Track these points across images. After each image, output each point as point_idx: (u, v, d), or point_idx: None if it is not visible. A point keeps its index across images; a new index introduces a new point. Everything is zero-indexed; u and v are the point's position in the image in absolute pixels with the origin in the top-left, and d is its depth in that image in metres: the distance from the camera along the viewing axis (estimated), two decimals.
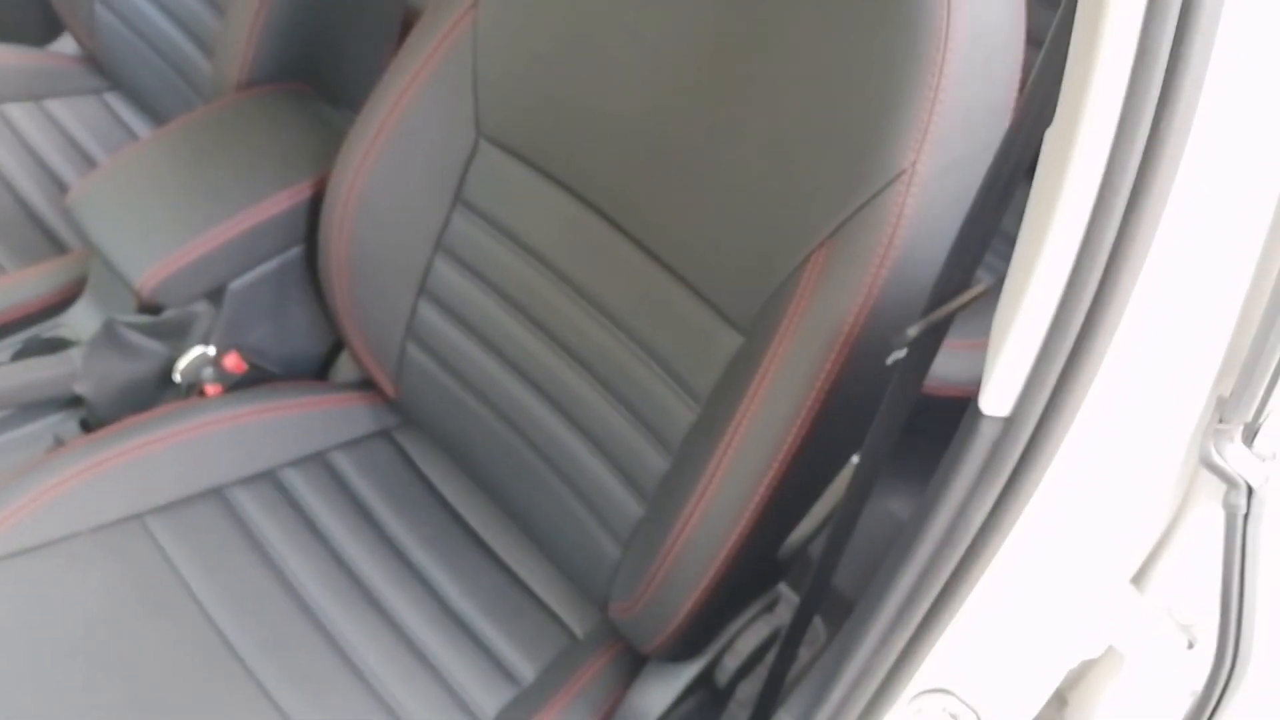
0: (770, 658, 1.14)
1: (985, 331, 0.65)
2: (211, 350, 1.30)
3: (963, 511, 0.68)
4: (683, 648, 1.10)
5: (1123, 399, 0.64)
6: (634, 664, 1.16)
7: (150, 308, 1.28)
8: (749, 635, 1.13)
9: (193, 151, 1.34)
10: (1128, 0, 0.52)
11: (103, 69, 1.74)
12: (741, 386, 0.95)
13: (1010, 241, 0.62)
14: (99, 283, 1.35)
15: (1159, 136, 0.54)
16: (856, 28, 0.87)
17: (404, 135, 1.17)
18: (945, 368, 0.90)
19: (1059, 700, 0.84)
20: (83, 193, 1.30)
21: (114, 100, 1.74)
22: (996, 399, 0.64)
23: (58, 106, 1.69)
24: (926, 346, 0.79)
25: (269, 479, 1.24)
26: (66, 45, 1.83)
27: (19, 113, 1.66)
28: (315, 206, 1.27)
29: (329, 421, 1.32)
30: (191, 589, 1.12)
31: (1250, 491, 0.64)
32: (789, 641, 1.08)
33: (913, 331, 0.74)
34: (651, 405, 1.06)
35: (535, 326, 1.15)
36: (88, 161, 1.64)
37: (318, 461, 1.28)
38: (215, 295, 1.30)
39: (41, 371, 1.26)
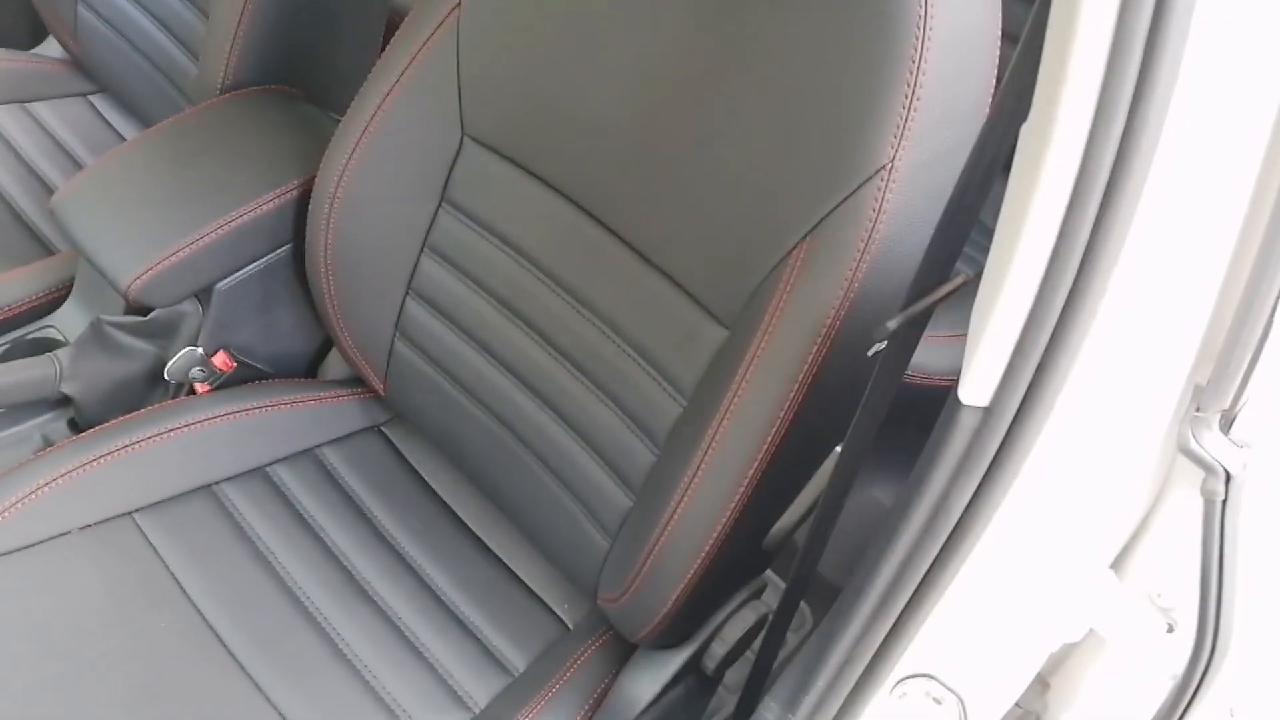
0: (757, 644, 1.15)
1: (965, 323, 0.66)
2: (200, 350, 1.30)
3: (944, 499, 0.69)
4: (671, 636, 1.10)
5: (1100, 388, 0.64)
6: (623, 652, 1.16)
7: (138, 309, 1.27)
8: (736, 622, 1.13)
9: (178, 153, 1.34)
10: None
11: (88, 72, 1.73)
12: (726, 380, 0.96)
13: (989, 234, 0.62)
14: (86, 284, 1.35)
15: (1134, 130, 0.54)
16: (835, 26, 0.88)
17: (389, 135, 1.17)
18: (926, 359, 0.90)
19: (1041, 684, 0.84)
20: (67, 195, 1.29)
21: (100, 103, 1.73)
22: (976, 389, 0.65)
23: (44, 109, 1.68)
24: (907, 338, 0.80)
25: (259, 475, 1.25)
26: (52, 49, 1.82)
27: (5, 116, 1.65)
28: (302, 207, 1.27)
29: (319, 418, 1.32)
30: (182, 584, 1.12)
31: (1228, 478, 0.64)
32: (775, 628, 1.09)
33: (893, 324, 0.74)
34: (638, 399, 1.07)
35: (522, 323, 1.15)
36: (74, 164, 1.63)
37: (308, 457, 1.29)
38: (203, 295, 1.29)
39: (29, 372, 1.26)
